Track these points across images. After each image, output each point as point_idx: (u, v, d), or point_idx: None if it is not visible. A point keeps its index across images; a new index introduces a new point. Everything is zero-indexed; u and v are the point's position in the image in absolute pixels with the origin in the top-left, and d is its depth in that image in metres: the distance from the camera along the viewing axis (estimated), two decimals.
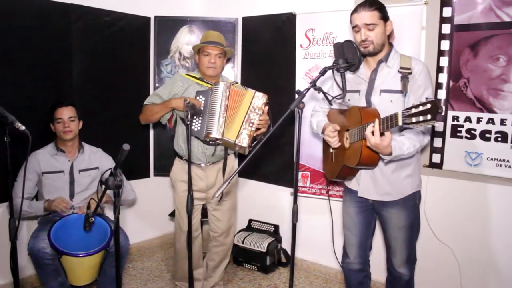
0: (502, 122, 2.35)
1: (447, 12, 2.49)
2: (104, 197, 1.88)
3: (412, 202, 2.04)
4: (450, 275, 2.62)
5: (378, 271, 2.51)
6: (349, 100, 2.06)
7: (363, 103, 1.99)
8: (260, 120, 2.39)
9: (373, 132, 1.72)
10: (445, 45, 2.52)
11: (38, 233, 2.39)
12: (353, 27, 1.96)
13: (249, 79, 3.42)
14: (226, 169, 2.62)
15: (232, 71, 3.54)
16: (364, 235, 2.16)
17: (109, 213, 2.89)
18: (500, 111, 2.36)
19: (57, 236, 2.25)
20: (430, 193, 2.64)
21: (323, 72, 1.86)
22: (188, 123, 2.17)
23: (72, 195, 2.58)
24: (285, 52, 3.20)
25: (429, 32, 2.57)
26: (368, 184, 2.03)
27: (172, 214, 3.44)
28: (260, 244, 3.26)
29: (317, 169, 3.11)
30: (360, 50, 1.92)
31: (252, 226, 3.54)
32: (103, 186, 1.75)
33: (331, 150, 2.16)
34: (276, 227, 3.44)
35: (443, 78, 2.54)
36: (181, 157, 2.64)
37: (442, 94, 2.54)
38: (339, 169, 2.06)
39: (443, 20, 2.51)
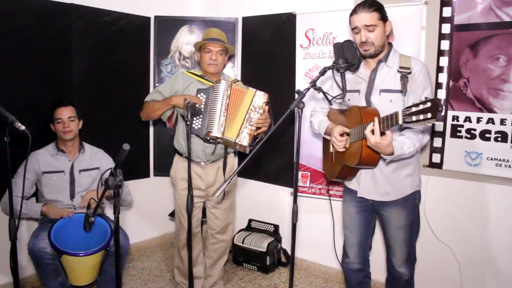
0: (502, 122, 2.35)
1: (447, 12, 2.49)
2: (104, 194, 1.88)
3: (412, 202, 2.04)
4: (450, 275, 2.62)
5: (378, 271, 2.51)
6: (348, 100, 2.06)
7: (363, 103, 1.99)
8: (260, 119, 2.39)
9: (373, 131, 1.72)
10: (445, 45, 2.52)
11: (38, 232, 2.39)
12: (352, 29, 1.96)
13: (249, 79, 3.41)
14: (226, 168, 2.62)
15: (232, 71, 3.54)
16: (364, 235, 2.17)
17: (109, 213, 2.89)
18: (500, 111, 2.36)
19: (57, 236, 2.25)
20: (430, 193, 2.64)
21: (323, 72, 1.86)
22: (188, 122, 2.17)
23: (72, 195, 2.58)
24: (285, 52, 3.20)
25: (429, 32, 2.57)
26: (368, 184, 2.03)
27: (172, 214, 3.44)
28: (260, 244, 3.26)
29: (317, 169, 3.11)
30: (361, 51, 1.92)
31: (252, 226, 3.54)
32: (103, 186, 1.76)
33: (331, 150, 2.16)
34: (276, 227, 3.44)
35: (443, 78, 2.54)
36: (181, 154, 2.64)
37: (442, 94, 2.55)
38: (339, 169, 2.06)
39: (443, 20, 2.51)
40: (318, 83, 1.82)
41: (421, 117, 1.50)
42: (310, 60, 3.07)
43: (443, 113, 2.54)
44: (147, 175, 3.60)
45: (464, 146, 2.48)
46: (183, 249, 2.72)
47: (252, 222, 3.55)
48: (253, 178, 3.56)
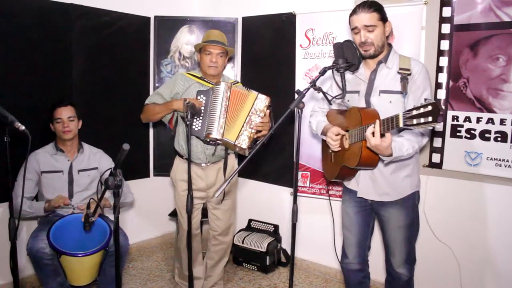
0: (502, 122, 2.35)
1: (446, 12, 2.49)
2: (102, 201, 1.88)
3: (411, 202, 2.04)
4: (450, 275, 2.63)
5: (377, 271, 2.51)
6: (348, 100, 2.06)
7: (362, 104, 1.99)
8: (261, 122, 2.39)
9: (373, 133, 1.72)
10: (445, 45, 2.52)
11: (37, 233, 2.39)
12: (352, 29, 1.96)
13: (249, 79, 3.42)
14: (227, 169, 2.63)
15: (232, 71, 3.55)
16: (363, 235, 2.17)
17: (109, 213, 2.89)
18: (499, 111, 2.36)
19: (56, 236, 2.25)
20: (430, 193, 2.64)
21: (322, 72, 1.86)
22: (188, 123, 2.17)
23: (71, 195, 2.58)
24: (285, 52, 3.20)
25: (428, 32, 2.57)
26: (367, 184, 2.03)
27: (172, 214, 3.44)
28: (260, 244, 3.26)
29: (317, 169, 3.11)
30: (361, 52, 1.92)
31: (252, 226, 3.54)
32: (103, 186, 1.76)
33: (330, 151, 2.16)
34: (276, 227, 3.44)
35: (443, 78, 2.54)
36: (181, 156, 2.64)
37: (441, 94, 2.55)
38: (338, 169, 2.06)
39: (442, 20, 2.51)
40: (318, 83, 1.82)
41: (422, 120, 1.50)
42: (310, 60, 3.07)
43: (443, 113, 2.54)
44: (147, 175, 3.60)
45: (464, 146, 2.48)
46: (183, 250, 2.72)
47: (252, 222, 3.55)
48: (253, 178, 3.56)
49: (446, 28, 2.50)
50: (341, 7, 2.85)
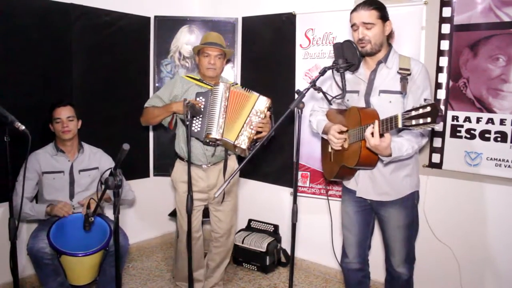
0: (502, 122, 2.35)
1: (446, 12, 2.49)
2: (104, 195, 1.88)
3: (410, 202, 2.04)
4: (450, 275, 2.63)
5: (377, 270, 2.51)
6: (348, 100, 2.07)
7: (362, 104, 1.99)
8: (261, 123, 2.39)
9: (372, 134, 1.72)
10: (445, 45, 2.52)
11: (37, 233, 2.39)
12: (351, 26, 1.96)
13: (249, 79, 3.42)
14: (227, 170, 2.63)
15: (232, 71, 3.55)
16: (363, 234, 2.17)
17: (109, 213, 2.90)
18: (499, 111, 2.36)
19: (56, 236, 2.25)
20: (430, 193, 2.64)
21: (322, 72, 1.86)
22: (187, 123, 2.17)
23: (72, 196, 2.58)
24: (285, 52, 3.20)
25: (428, 32, 2.57)
26: (366, 184, 2.03)
27: (172, 214, 3.44)
28: (260, 244, 3.26)
29: (316, 169, 3.11)
30: (359, 49, 1.92)
31: (252, 226, 3.54)
32: (103, 186, 1.76)
33: (329, 150, 2.16)
34: (276, 227, 3.44)
35: (443, 78, 2.54)
36: (182, 159, 2.64)
37: (441, 94, 2.55)
38: (337, 169, 2.06)
39: (442, 20, 2.51)
40: (318, 83, 1.83)
41: (421, 121, 1.50)
42: (310, 60, 3.07)
43: (443, 114, 2.54)
44: (147, 175, 3.60)
45: (464, 146, 2.48)
46: (183, 252, 2.71)
47: (252, 222, 3.55)
48: (253, 178, 3.56)
49: (446, 28, 2.50)
50: (341, 7, 2.85)
